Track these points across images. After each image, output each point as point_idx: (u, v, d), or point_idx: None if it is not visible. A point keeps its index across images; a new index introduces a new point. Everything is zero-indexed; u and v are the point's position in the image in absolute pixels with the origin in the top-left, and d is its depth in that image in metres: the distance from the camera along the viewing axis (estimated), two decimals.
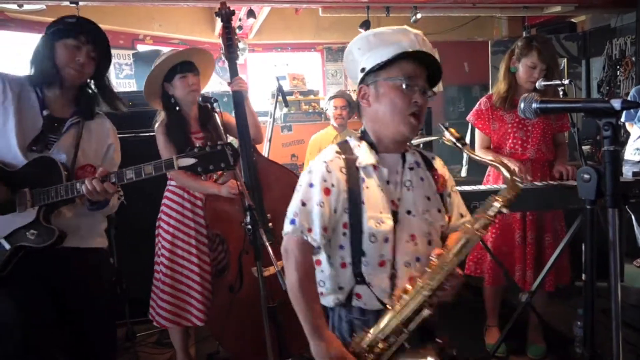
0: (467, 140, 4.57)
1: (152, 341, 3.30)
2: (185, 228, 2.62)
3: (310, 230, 1.45)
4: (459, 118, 5.71)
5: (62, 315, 1.85)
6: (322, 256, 1.53)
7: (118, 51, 5.81)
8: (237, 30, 6.21)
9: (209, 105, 2.36)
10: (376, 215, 1.46)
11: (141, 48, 6.07)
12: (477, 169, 4.24)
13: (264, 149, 3.68)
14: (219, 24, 6.23)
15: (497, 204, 1.45)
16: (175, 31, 6.24)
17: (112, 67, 6.16)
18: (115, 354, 2.21)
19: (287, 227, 1.47)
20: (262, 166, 2.61)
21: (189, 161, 1.66)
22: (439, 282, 1.41)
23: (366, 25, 4.82)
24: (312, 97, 5.84)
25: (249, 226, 2.08)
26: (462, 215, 1.63)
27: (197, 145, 2.52)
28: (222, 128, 2.32)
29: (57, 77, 1.84)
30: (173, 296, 2.59)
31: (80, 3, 4.01)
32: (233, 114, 2.61)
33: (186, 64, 2.54)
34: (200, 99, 2.48)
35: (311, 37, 6.94)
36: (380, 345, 1.42)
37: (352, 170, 1.49)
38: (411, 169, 1.55)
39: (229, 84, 2.56)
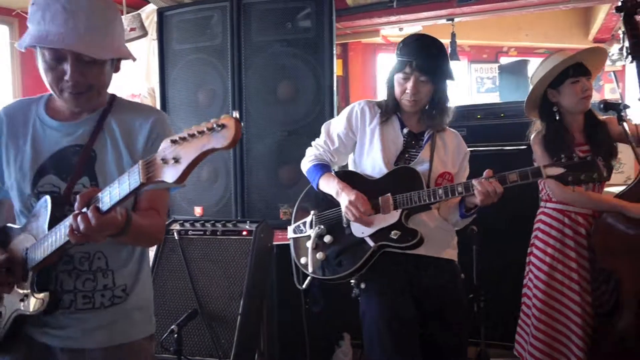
0: None
1: None
2: (566, 259, 2.26)
3: None
4: None
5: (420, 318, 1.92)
6: None
7: (480, 65, 5.83)
8: (619, 31, 5.43)
9: (615, 112, 1.97)
10: None
11: (503, 60, 5.96)
12: None
13: None
14: (595, 27, 5.60)
15: None
16: (543, 40, 5.85)
17: (473, 81, 6.27)
18: None
19: None
20: None
21: (558, 170, 1.64)
22: None
23: None
24: None
25: None
26: None
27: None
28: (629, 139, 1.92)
29: (398, 107, 2.00)
30: (548, 335, 2.27)
31: (456, 19, 4.12)
32: None
33: (579, 67, 2.21)
34: (602, 105, 2.10)
35: None
36: None
37: None
38: None
39: None
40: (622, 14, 2.18)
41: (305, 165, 2.09)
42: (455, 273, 2.04)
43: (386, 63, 5.73)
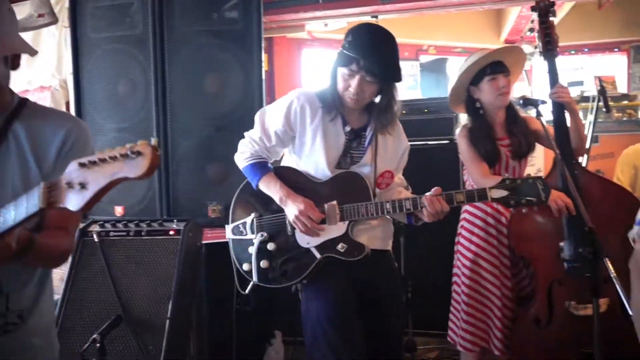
0: None
1: (431, 357, 3.19)
2: (489, 247, 2.38)
3: None
4: None
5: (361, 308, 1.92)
6: None
7: (402, 63, 5.98)
8: (527, 33, 5.81)
9: (534, 108, 2.09)
10: None
11: (423, 59, 6.15)
12: None
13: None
14: (506, 29, 5.94)
15: None
16: (458, 39, 6.12)
17: None
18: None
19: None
20: (584, 181, 2.23)
21: (502, 193, 1.73)
22: None
23: None
24: (626, 102, 4.93)
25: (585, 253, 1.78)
26: None
27: (503, 152, 2.35)
28: (544, 134, 2.07)
29: (339, 102, 1.89)
30: (475, 318, 2.39)
31: (380, 17, 4.18)
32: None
33: (496, 65, 2.33)
34: (521, 101, 2.23)
35: (616, 34, 5.94)
36: None
37: None
38: None
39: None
40: (537, 13, 2.30)
41: (241, 162, 1.98)
42: (392, 262, 2.08)
43: (311, 58, 5.72)
